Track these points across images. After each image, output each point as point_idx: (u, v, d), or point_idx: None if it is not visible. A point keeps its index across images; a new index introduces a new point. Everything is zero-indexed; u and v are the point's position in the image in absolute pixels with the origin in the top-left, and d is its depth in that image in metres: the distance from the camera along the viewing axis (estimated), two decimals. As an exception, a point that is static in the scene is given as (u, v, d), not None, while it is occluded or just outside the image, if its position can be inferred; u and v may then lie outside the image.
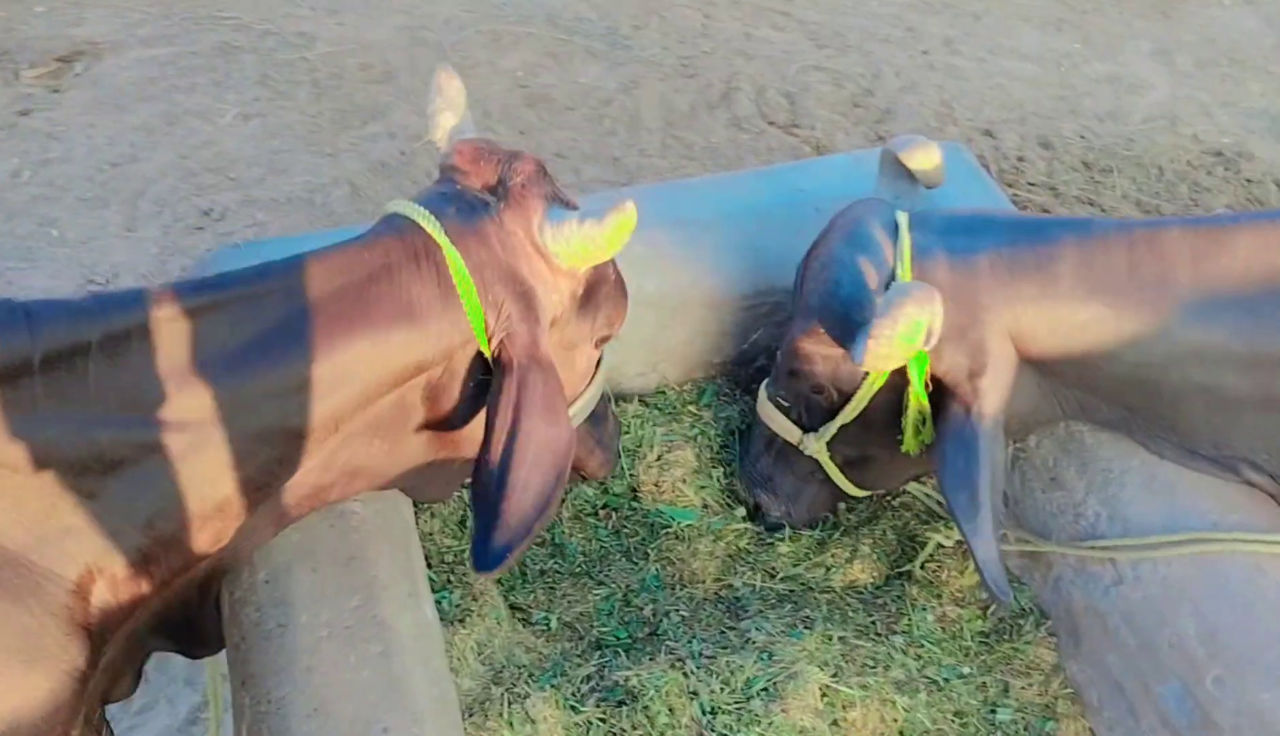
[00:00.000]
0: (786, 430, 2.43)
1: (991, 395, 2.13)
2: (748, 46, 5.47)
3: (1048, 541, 2.44)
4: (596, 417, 2.27)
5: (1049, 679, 2.44)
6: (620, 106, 5.03)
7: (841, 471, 2.47)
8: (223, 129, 5.02)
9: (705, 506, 2.68)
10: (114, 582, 1.63)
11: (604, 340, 2.12)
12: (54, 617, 1.55)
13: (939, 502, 2.66)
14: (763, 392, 2.47)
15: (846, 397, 2.29)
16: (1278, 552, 2.14)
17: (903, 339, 1.95)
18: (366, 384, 1.75)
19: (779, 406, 2.44)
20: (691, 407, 2.79)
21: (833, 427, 2.36)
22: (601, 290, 2.02)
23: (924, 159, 2.26)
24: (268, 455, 1.71)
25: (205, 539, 1.73)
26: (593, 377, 2.18)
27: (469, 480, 1.99)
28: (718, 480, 2.71)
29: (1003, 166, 4.91)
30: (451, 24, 5.56)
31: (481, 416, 1.88)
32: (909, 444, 2.30)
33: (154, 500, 1.63)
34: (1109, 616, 2.32)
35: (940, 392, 2.21)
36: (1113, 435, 2.41)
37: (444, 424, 1.91)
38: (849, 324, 2.12)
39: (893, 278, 2.14)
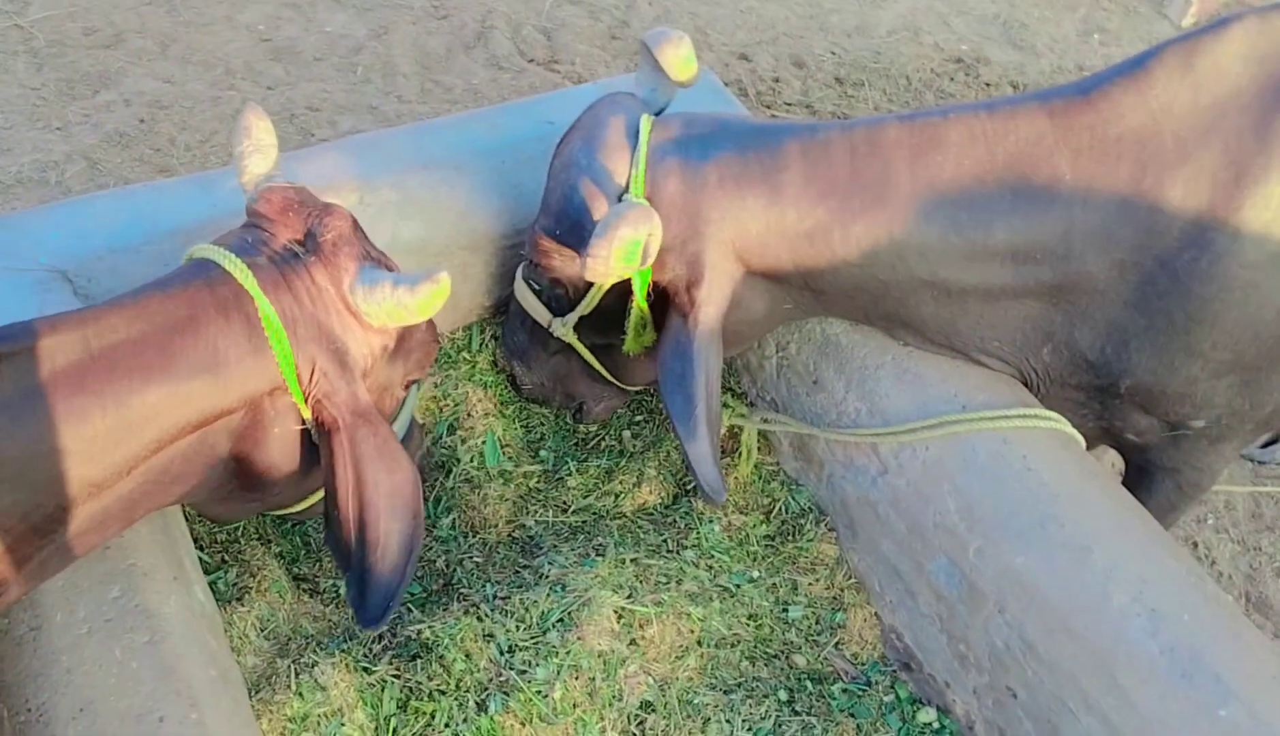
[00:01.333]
0: (538, 312, 2.47)
1: (708, 307, 2.19)
2: (499, -16, 5.37)
3: (815, 428, 2.55)
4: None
5: (834, 572, 2.57)
6: (372, 53, 4.84)
7: (592, 352, 2.53)
8: (-69, 109, 4.56)
9: (496, 445, 2.67)
10: None
11: (413, 382, 2.11)
12: None
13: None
14: (519, 274, 2.49)
15: (582, 294, 2.33)
16: (1017, 426, 2.31)
17: (619, 257, 2.01)
18: (163, 431, 1.69)
19: (531, 289, 2.46)
20: (465, 353, 2.76)
21: (573, 318, 2.41)
22: (412, 338, 2.01)
23: (673, 52, 2.27)
24: (56, 502, 1.61)
25: None
26: (399, 413, 2.16)
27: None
28: (503, 419, 2.70)
29: (759, 88, 5.03)
30: (182, -22, 5.20)
31: (282, 458, 1.87)
32: (630, 345, 2.38)
33: None
34: (879, 505, 2.46)
35: (664, 301, 2.26)
36: (866, 335, 2.52)
37: (249, 465, 1.86)
38: (581, 231, 2.15)
39: (626, 189, 2.16)
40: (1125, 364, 2.28)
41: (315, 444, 1.87)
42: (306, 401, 1.79)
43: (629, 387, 2.66)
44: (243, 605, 2.09)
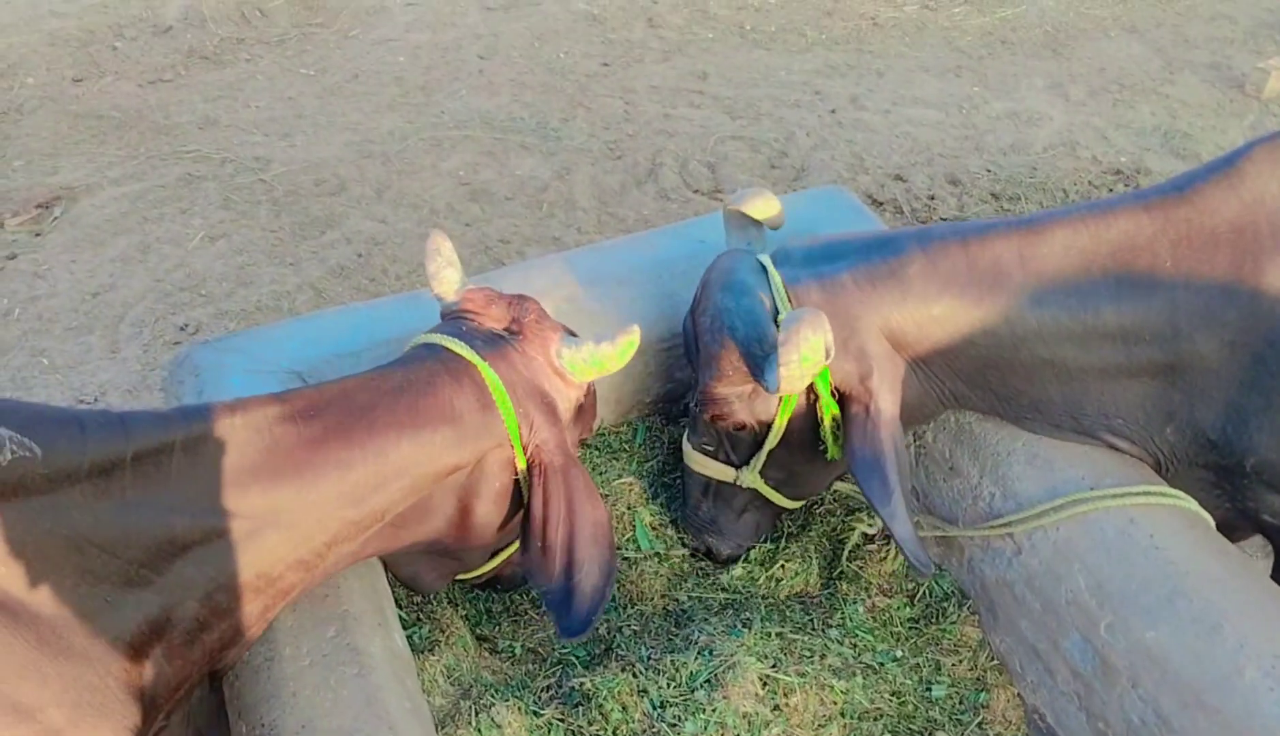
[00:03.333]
0: (720, 473, 2.68)
1: (884, 391, 2.42)
2: (668, 126, 5.86)
3: (954, 526, 2.71)
4: None
5: (976, 654, 2.68)
6: (556, 192, 5.38)
7: (776, 491, 2.72)
8: (192, 251, 5.34)
9: (652, 530, 2.94)
10: (169, 649, 1.86)
11: (582, 443, 2.45)
12: (115, 679, 1.76)
13: (857, 494, 2.93)
14: (686, 445, 2.72)
15: (767, 427, 2.55)
16: (1141, 504, 2.42)
17: (806, 359, 2.24)
18: (412, 481, 2.03)
19: (704, 452, 2.69)
20: (628, 445, 3.07)
21: (762, 455, 2.61)
22: (588, 400, 2.36)
23: (760, 203, 2.59)
24: (322, 540, 1.98)
25: (256, 610, 1.97)
26: None
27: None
28: (658, 507, 2.98)
29: (914, 206, 5.27)
30: (395, 135, 5.93)
31: (493, 511, 2.19)
32: (832, 451, 2.57)
33: (215, 577, 1.87)
34: (1015, 585, 2.58)
35: (843, 400, 2.49)
36: (998, 423, 2.69)
37: (464, 517, 2.19)
38: (753, 360, 2.40)
39: (776, 312, 2.43)
40: (1248, 442, 2.37)
41: (517, 502, 2.19)
42: (525, 451, 2.13)
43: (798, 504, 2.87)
44: (433, 655, 2.42)
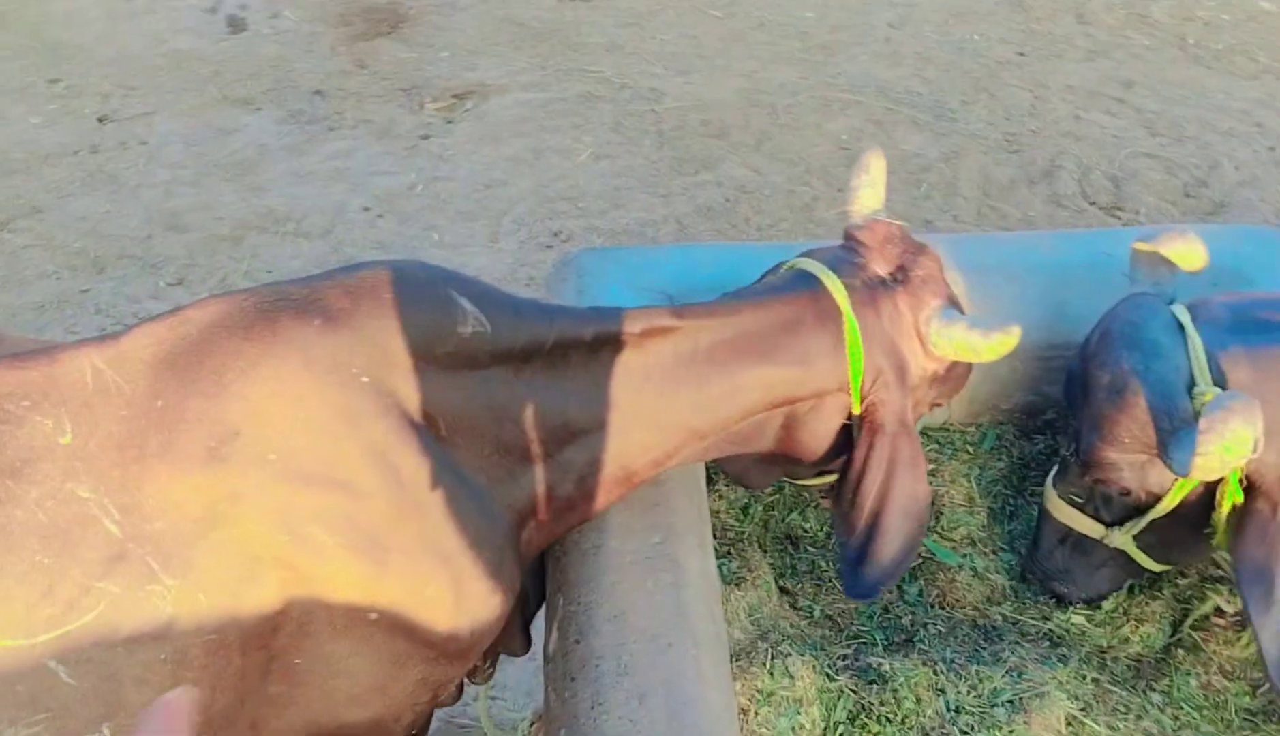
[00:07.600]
0: (1088, 527, 2.49)
1: None
2: (1077, 128, 5.49)
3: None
4: None
5: (1316, 765, 2.38)
6: (939, 174, 5.21)
7: (1145, 554, 2.51)
8: (577, 166, 5.66)
9: (972, 542, 2.81)
10: (539, 523, 2.06)
11: (937, 404, 2.39)
12: (508, 542, 1.98)
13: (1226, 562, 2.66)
14: (1051, 491, 2.54)
15: (1156, 497, 2.34)
16: None
17: (1230, 451, 2.01)
18: (753, 404, 2.13)
19: (1072, 503, 2.50)
20: (970, 448, 2.94)
21: (1142, 523, 2.40)
22: (954, 371, 2.29)
23: (1184, 246, 2.35)
24: (672, 443, 2.13)
25: (608, 498, 2.15)
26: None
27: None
28: (982, 518, 2.83)
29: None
30: (786, 88, 5.96)
31: (818, 444, 2.22)
32: (1220, 539, 2.33)
33: (591, 462, 2.05)
34: (1388, 711, 2.26)
35: (1249, 489, 2.24)
36: None
37: (790, 443, 2.25)
38: (1160, 434, 2.19)
39: (1192, 382, 2.20)
40: None
41: (846, 439, 2.21)
42: (861, 402, 2.12)
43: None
44: (738, 589, 2.45)
